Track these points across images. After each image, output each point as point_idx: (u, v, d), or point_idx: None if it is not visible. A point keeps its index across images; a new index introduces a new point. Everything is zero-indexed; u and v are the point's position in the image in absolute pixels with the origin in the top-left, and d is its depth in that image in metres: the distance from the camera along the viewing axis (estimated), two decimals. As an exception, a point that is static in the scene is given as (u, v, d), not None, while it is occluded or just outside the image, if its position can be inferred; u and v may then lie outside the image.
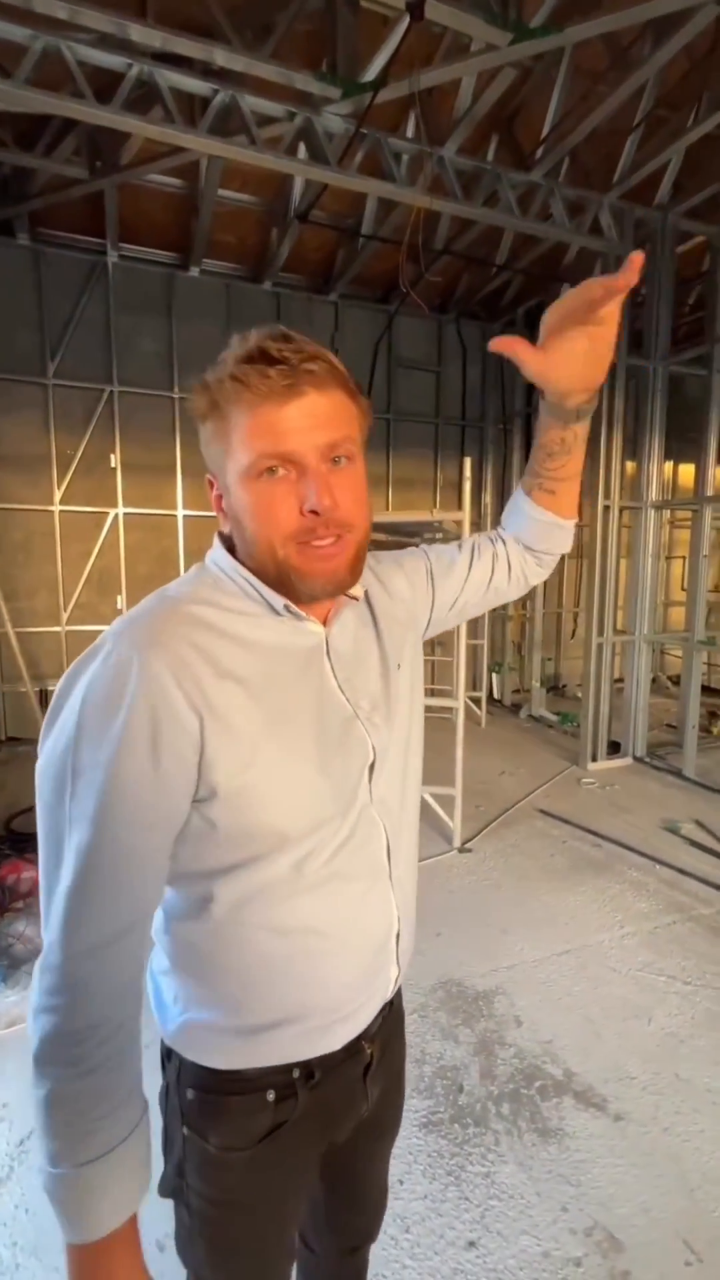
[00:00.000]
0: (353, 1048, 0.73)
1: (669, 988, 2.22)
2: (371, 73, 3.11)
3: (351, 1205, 0.94)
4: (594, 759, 4.48)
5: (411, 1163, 1.58)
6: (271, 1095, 0.69)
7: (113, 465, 5.10)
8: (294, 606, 0.65)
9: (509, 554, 0.90)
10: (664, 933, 2.54)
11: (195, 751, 0.58)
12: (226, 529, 0.68)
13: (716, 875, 2.96)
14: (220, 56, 2.95)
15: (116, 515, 5.16)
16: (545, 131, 3.74)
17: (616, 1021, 2.06)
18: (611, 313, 0.66)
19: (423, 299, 5.57)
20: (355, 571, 0.66)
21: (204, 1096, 0.68)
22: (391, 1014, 0.82)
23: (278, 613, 0.66)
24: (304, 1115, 0.71)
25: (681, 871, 2.99)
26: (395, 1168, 1.55)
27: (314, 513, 0.60)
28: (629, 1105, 1.75)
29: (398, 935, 0.75)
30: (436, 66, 3.10)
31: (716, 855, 3.17)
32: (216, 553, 0.69)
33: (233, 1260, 0.74)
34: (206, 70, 3.13)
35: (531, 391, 6.29)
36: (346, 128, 3.37)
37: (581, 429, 0.78)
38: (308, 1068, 0.70)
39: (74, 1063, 0.56)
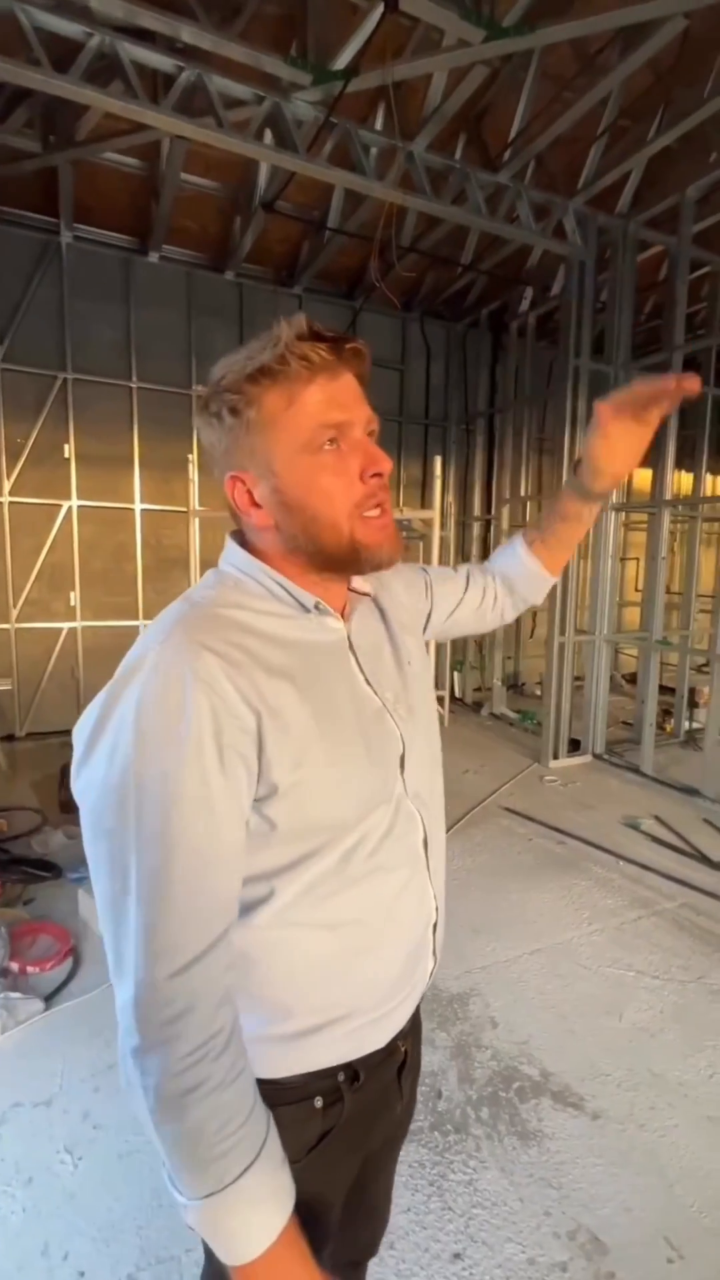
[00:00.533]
0: (390, 1046, 0.73)
1: (638, 983, 2.25)
2: (342, 61, 3.05)
3: (360, 1215, 0.90)
4: (555, 757, 4.55)
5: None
6: (319, 1102, 0.68)
7: (66, 456, 4.89)
8: (324, 605, 0.67)
9: (496, 589, 0.99)
10: (630, 928, 2.58)
11: (255, 750, 0.58)
12: (262, 524, 0.66)
13: (677, 870, 3.04)
14: (186, 33, 2.84)
15: (70, 508, 4.95)
16: (513, 134, 3.76)
17: (589, 1019, 2.08)
18: (657, 415, 0.76)
19: (388, 298, 5.56)
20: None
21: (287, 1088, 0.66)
22: (417, 1012, 0.82)
23: (307, 610, 0.66)
24: (349, 1120, 0.70)
25: (644, 867, 3.05)
26: (377, 1181, 1.52)
27: (376, 476, 0.62)
28: (605, 1103, 1.76)
29: (435, 926, 0.75)
30: (408, 60, 3.06)
31: (676, 850, 3.25)
32: (234, 555, 0.69)
33: None
34: (171, 47, 3.02)
35: (494, 393, 6.38)
36: (316, 116, 3.30)
37: (596, 508, 0.91)
38: (352, 1070, 0.69)
39: (195, 1088, 0.53)
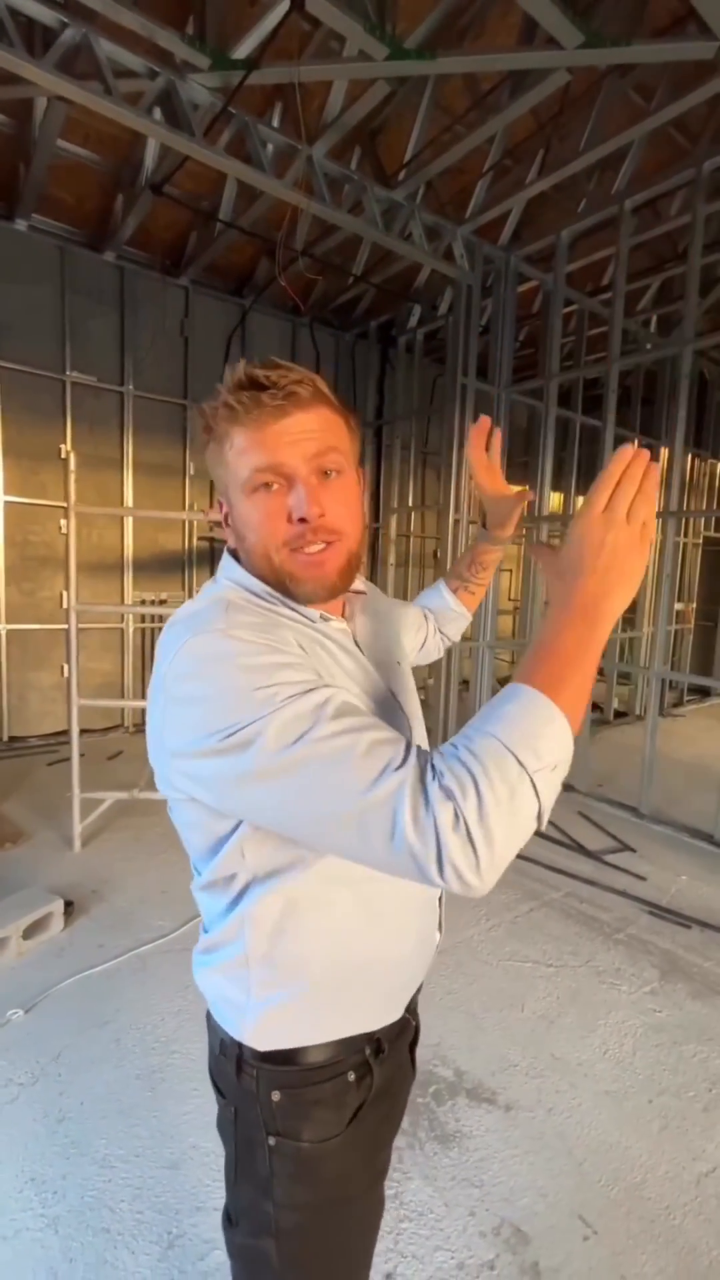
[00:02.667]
0: (402, 1020, 0.79)
1: (535, 973, 2.37)
2: (242, 51, 2.97)
3: None
4: (444, 759, 4.71)
5: (317, 1203, 1.49)
6: (352, 1076, 0.72)
7: None
8: (329, 614, 0.73)
9: (430, 627, 1.13)
10: (524, 920, 2.72)
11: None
12: (232, 545, 0.74)
13: (559, 861, 3.25)
14: (72, -13, 2.61)
15: None
16: (407, 157, 3.88)
17: (494, 1012, 2.15)
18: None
19: (279, 298, 5.50)
20: (346, 577, 0.71)
21: (291, 1094, 0.69)
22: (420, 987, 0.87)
23: (313, 621, 0.72)
24: (379, 1092, 0.75)
25: (530, 860, 3.24)
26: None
27: (302, 520, 0.65)
28: (515, 1093, 1.83)
29: (440, 898, 0.82)
30: (309, 62, 3.05)
31: (557, 842, 3.48)
32: (235, 572, 0.72)
33: (313, 1265, 0.74)
34: (55, 1, 2.76)
35: (382, 405, 6.53)
36: (213, 102, 3.18)
37: (501, 551, 1.11)
38: (376, 1042, 0.74)
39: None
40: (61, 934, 2.47)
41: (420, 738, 0.81)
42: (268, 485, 0.65)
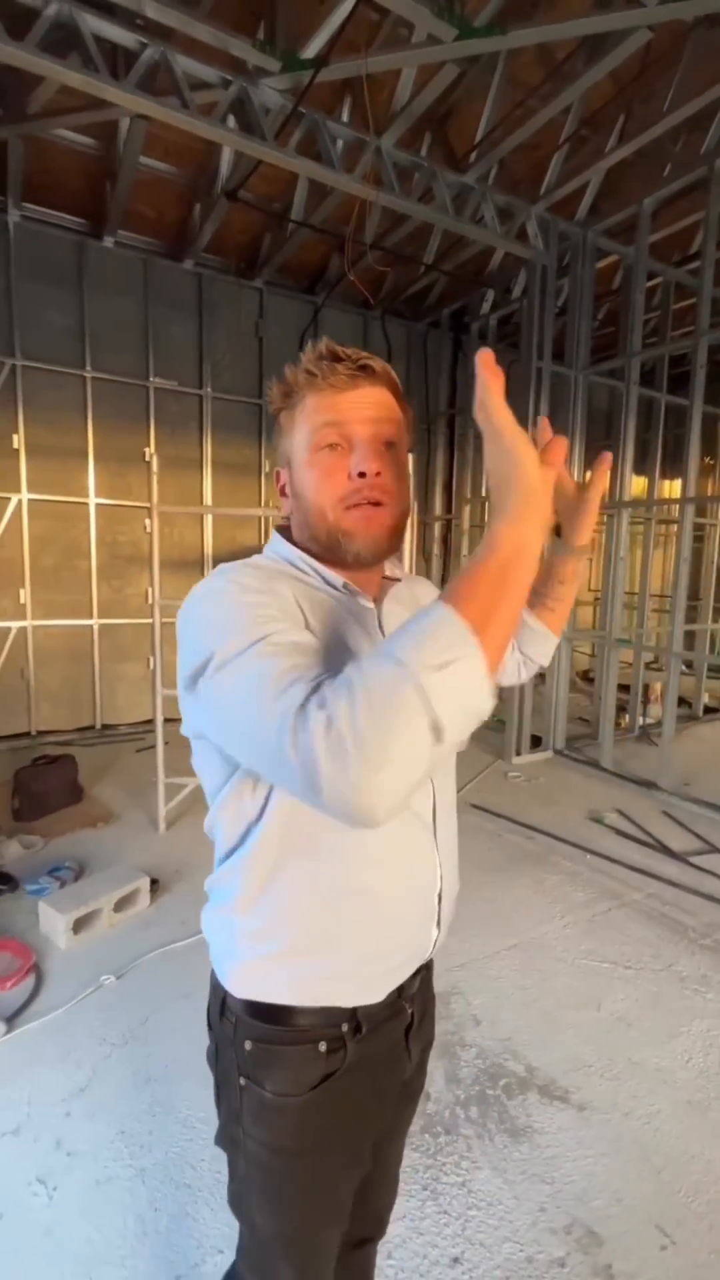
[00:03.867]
0: (394, 1005, 0.78)
1: (612, 974, 2.30)
2: (312, 50, 3.00)
3: (375, 1181, 0.93)
4: (518, 753, 4.62)
5: (386, 1182, 1.52)
6: (323, 1046, 0.73)
7: (15, 446, 4.65)
8: (352, 585, 0.74)
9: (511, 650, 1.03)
10: (601, 920, 2.63)
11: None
12: (287, 512, 0.77)
13: (641, 861, 3.12)
14: (150, 8, 2.73)
15: (19, 501, 4.71)
16: (478, 137, 3.79)
17: (569, 1011, 2.11)
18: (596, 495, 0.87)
19: (350, 294, 5.53)
20: (394, 541, 0.74)
21: (261, 1047, 0.74)
22: (428, 980, 0.87)
23: (336, 589, 0.74)
24: (353, 1067, 0.75)
25: (611, 859, 3.13)
26: (370, 1190, 1.49)
27: (361, 475, 0.70)
28: (590, 1094, 1.78)
29: (440, 895, 0.79)
30: (378, 53, 3.04)
31: (640, 842, 3.34)
32: (275, 544, 0.77)
33: (282, 1207, 0.78)
34: (133, 22, 2.90)
35: (455, 393, 6.43)
36: (284, 104, 3.24)
37: (584, 564, 0.97)
38: (355, 1020, 0.75)
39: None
40: (148, 909, 2.63)
41: None
42: (333, 446, 0.70)
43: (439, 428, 6.45)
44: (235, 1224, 1.33)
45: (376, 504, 0.71)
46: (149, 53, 2.93)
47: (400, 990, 0.79)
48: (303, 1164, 0.76)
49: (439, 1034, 1.96)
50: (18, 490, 4.69)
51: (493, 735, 5.08)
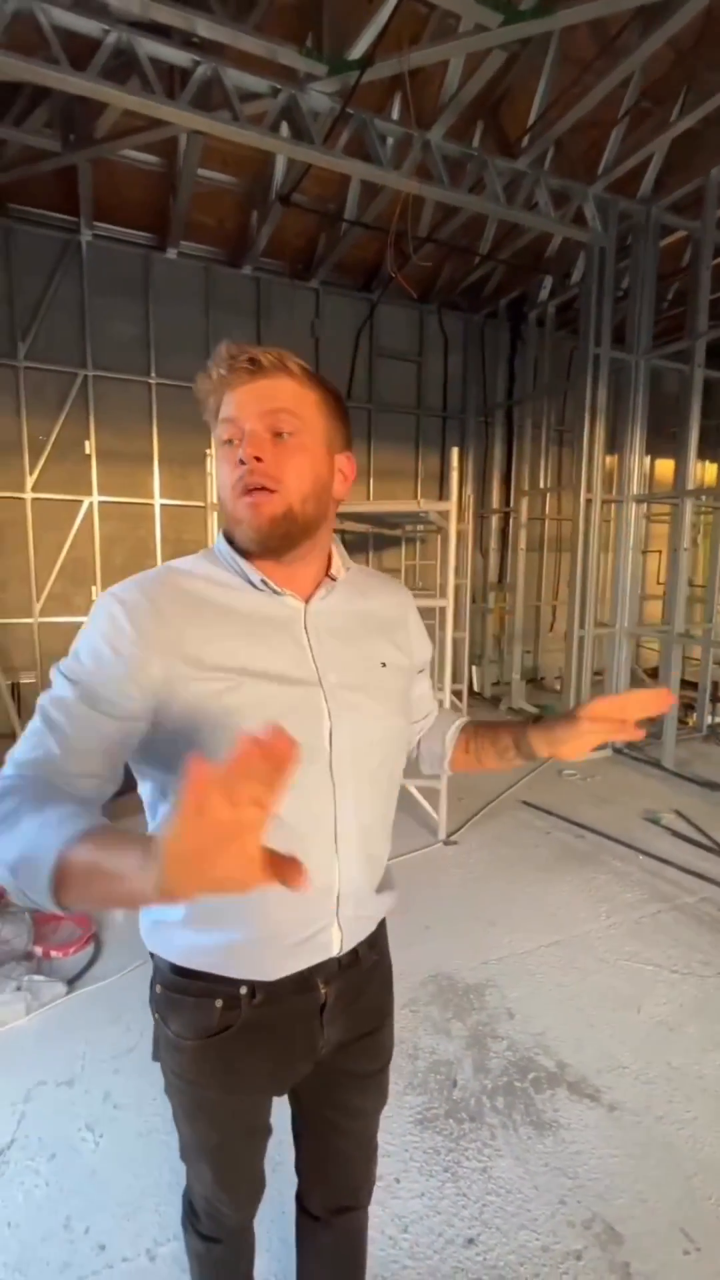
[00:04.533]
0: (305, 983, 0.82)
1: (656, 976, 2.23)
2: (358, 50, 3.04)
3: (329, 1162, 1.00)
4: (574, 751, 4.51)
5: (408, 1160, 1.56)
6: (219, 1003, 0.80)
7: (87, 452, 4.95)
8: (270, 582, 0.77)
9: (418, 736, 1.03)
10: (649, 922, 2.56)
11: (163, 660, 0.72)
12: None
13: (698, 864, 3.00)
14: (202, 27, 2.85)
15: (91, 504, 5.02)
16: (531, 119, 3.71)
17: (607, 1011, 2.07)
18: (634, 729, 0.80)
19: (405, 290, 5.52)
20: (277, 525, 0.74)
21: (167, 992, 0.83)
22: (357, 970, 0.87)
23: (256, 587, 0.77)
24: (249, 1028, 0.81)
25: (664, 861, 3.02)
26: (391, 1166, 1.53)
27: (241, 462, 0.72)
28: (622, 1095, 1.75)
29: (338, 898, 0.80)
30: (424, 46, 3.04)
31: (697, 845, 3.21)
32: (218, 540, 0.82)
33: (192, 1122, 0.89)
34: (187, 41, 3.03)
35: (513, 384, 6.31)
36: (332, 107, 3.29)
37: (524, 762, 0.94)
38: (251, 988, 0.80)
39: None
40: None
41: (370, 733, 0.81)
42: (230, 441, 0.74)
43: (497, 419, 6.35)
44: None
45: (260, 489, 0.72)
46: (201, 69, 3.05)
47: (315, 969, 0.81)
48: (204, 1094, 0.85)
49: (470, 1024, 1.99)
50: (89, 493, 5.00)
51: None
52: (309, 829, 0.77)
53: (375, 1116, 1.01)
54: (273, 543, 0.75)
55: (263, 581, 0.76)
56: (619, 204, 4.14)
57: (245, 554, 0.77)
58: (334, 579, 0.83)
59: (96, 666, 0.70)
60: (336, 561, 0.84)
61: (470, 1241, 1.38)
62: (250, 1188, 0.97)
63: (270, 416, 0.72)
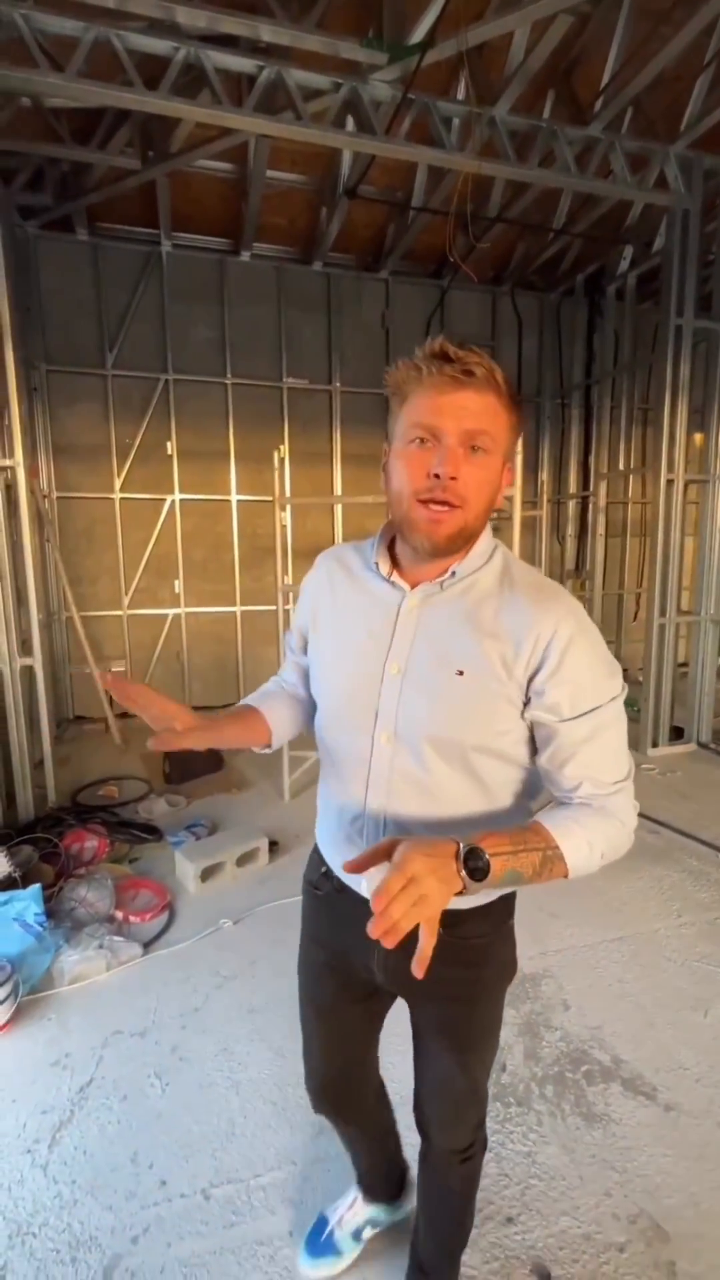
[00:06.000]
0: (353, 895, 0.94)
1: (728, 980, 2.12)
2: (419, 33, 3.01)
3: (419, 1077, 1.08)
4: (654, 744, 4.31)
5: (452, 1136, 1.58)
6: (322, 869, 1.03)
7: (169, 452, 5.23)
8: (383, 568, 0.88)
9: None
10: (725, 924, 2.43)
11: (312, 615, 0.99)
12: (384, 486, 0.86)
13: (785, 867, 2.80)
14: (266, 31, 2.92)
15: (173, 501, 5.30)
16: (605, 81, 3.54)
17: (670, 1012, 1.99)
18: None
19: (476, 270, 5.41)
20: (454, 541, 0.80)
21: (313, 855, 1.08)
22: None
23: (369, 569, 0.91)
24: (330, 900, 1.01)
25: (746, 862, 2.85)
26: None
27: (436, 476, 0.76)
28: (680, 1096, 1.69)
29: (361, 830, 0.91)
30: (487, 21, 2.97)
31: (786, 846, 2.99)
32: (384, 525, 0.92)
33: (298, 976, 1.13)
34: (253, 48, 3.12)
35: (591, 364, 6.05)
36: (394, 95, 3.28)
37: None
38: (329, 870, 1.01)
39: None
40: (266, 867, 2.89)
41: (424, 727, 0.83)
42: (421, 440, 0.76)
43: (574, 401, 6.10)
44: (307, 1145, 1.50)
45: (446, 504, 0.76)
46: (265, 74, 3.13)
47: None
48: (302, 938, 1.10)
49: (523, 1012, 1.98)
50: (171, 492, 5.28)
51: (630, 726, 4.77)
52: (353, 766, 0.91)
53: (457, 1079, 1.01)
54: (444, 551, 0.81)
55: (378, 572, 0.89)
56: (704, 161, 3.86)
57: (412, 553, 0.85)
58: (454, 573, 0.83)
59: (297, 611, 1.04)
60: (470, 559, 0.84)
61: (509, 1220, 1.40)
62: (314, 1069, 1.15)
63: (472, 436, 0.75)
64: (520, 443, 3.18)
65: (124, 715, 5.33)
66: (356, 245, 5.33)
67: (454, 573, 0.83)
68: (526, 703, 0.81)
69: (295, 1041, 1.87)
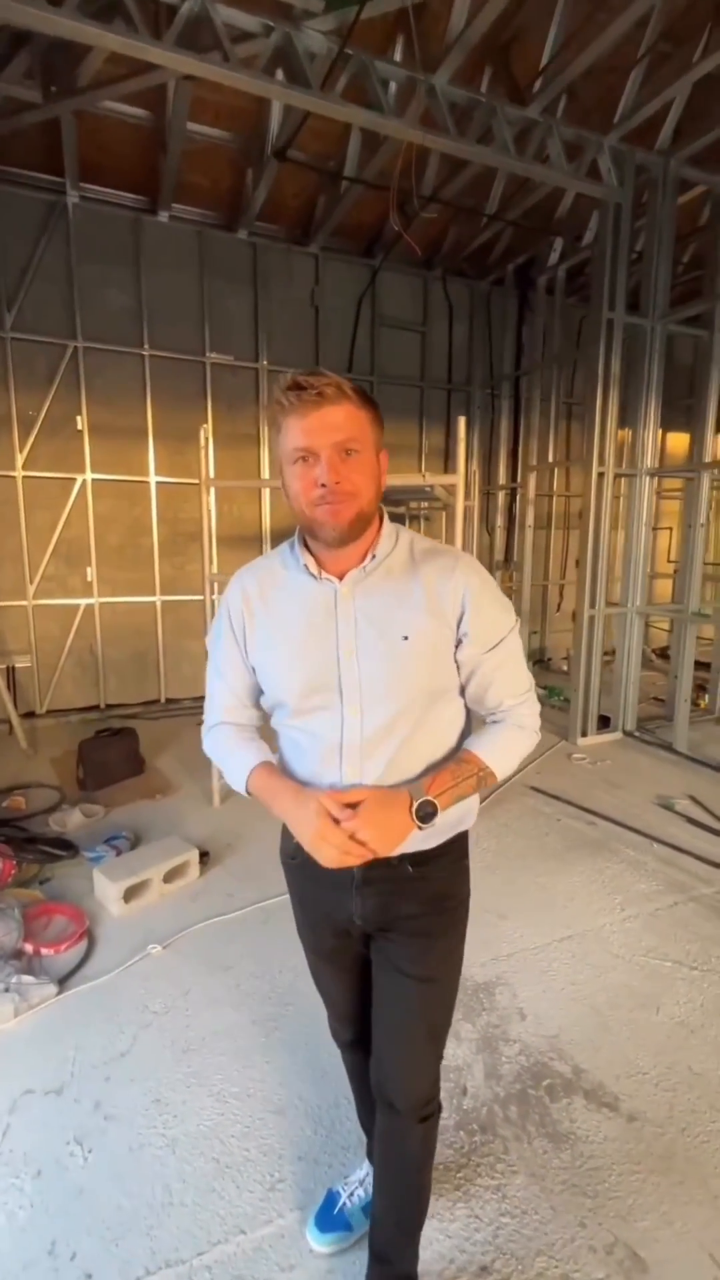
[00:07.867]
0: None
1: (675, 974, 2.13)
2: (357, -17, 2.80)
3: (378, 1026, 1.12)
4: (584, 734, 4.39)
5: (416, 1177, 1.46)
6: (295, 840, 1.03)
7: (79, 428, 4.77)
8: (311, 567, 0.98)
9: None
10: (666, 915, 2.45)
11: (243, 634, 1.06)
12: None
13: (715, 852, 2.89)
14: (188, -44, 2.62)
15: (84, 481, 4.85)
16: (543, 62, 3.47)
17: (623, 1012, 1.97)
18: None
19: (411, 254, 5.28)
20: (355, 525, 0.93)
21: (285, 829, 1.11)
22: (386, 869, 1.00)
23: (300, 568, 1.00)
24: (303, 866, 1.04)
25: (679, 849, 2.91)
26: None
27: (323, 485, 0.89)
28: (642, 1104, 1.65)
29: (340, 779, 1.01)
30: (429, -21, 2.80)
31: (713, 831, 3.09)
32: (298, 533, 1.02)
33: (300, 938, 1.21)
34: (173, -26, 2.80)
35: (520, 355, 6.08)
36: (329, 48, 3.06)
37: None
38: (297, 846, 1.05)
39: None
40: (197, 881, 2.67)
41: (388, 693, 0.96)
42: (304, 459, 0.90)
43: (503, 392, 6.13)
44: (257, 1207, 1.34)
45: (343, 500, 0.90)
46: (188, 5, 2.82)
47: None
48: (294, 909, 1.18)
49: (480, 1026, 1.89)
50: (82, 470, 4.83)
51: (557, 715, 4.86)
52: (322, 745, 1.00)
53: (416, 1021, 1.08)
54: (350, 536, 0.94)
55: (307, 569, 0.98)
56: (635, 155, 3.89)
57: (326, 545, 0.95)
58: (374, 557, 0.97)
59: (217, 633, 1.09)
60: (383, 541, 0.98)
61: (484, 1269, 1.29)
62: (335, 1009, 1.24)
63: (342, 445, 0.89)
64: (460, 434, 3.04)
65: (30, 714, 4.87)
66: (285, 216, 5.05)
67: (374, 556, 0.98)
68: (458, 645, 1.00)
69: (238, 1085, 1.70)
